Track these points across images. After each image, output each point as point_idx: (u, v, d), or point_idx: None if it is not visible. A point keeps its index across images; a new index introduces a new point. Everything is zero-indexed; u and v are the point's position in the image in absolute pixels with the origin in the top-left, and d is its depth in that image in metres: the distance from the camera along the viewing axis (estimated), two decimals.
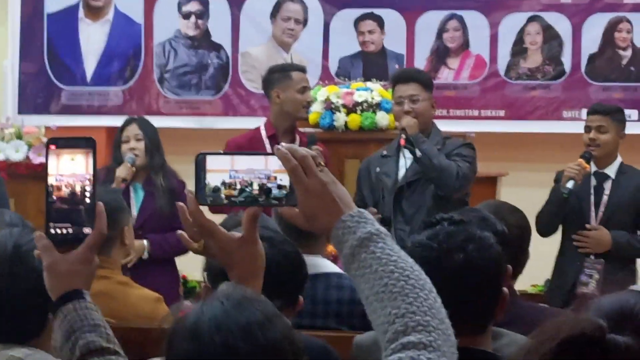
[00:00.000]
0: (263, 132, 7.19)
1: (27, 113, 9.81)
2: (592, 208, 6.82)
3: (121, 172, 6.75)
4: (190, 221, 2.43)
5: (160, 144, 7.03)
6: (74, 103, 9.96)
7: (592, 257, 6.76)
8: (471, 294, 2.89)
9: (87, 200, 2.44)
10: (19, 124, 9.06)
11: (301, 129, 7.50)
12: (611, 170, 6.91)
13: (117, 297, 4.61)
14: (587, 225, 6.69)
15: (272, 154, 2.28)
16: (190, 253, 2.60)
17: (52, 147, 2.44)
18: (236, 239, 2.45)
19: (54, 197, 2.43)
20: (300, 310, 4.22)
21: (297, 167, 2.25)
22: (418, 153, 6.47)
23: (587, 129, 6.90)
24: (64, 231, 2.44)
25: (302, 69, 7.37)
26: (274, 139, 7.04)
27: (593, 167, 6.80)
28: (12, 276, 2.76)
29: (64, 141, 2.48)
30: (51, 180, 2.43)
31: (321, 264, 4.58)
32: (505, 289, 3.01)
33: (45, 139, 8.82)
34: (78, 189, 2.43)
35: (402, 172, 6.68)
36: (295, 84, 7.15)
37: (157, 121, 9.14)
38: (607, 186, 6.87)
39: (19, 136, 8.76)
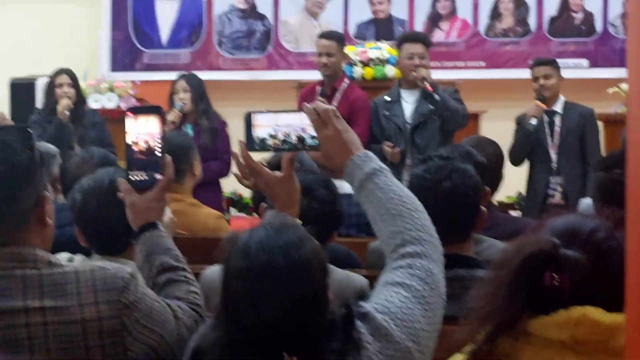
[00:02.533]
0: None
1: (118, 71, 9.82)
2: (549, 139, 6.81)
3: (170, 116, 6.72)
4: (243, 164, 2.43)
5: (204, 93, 6.97)
6: (153, 62, 9.94)
7: (554, 174, 6.77)
8: (456, 212, 2.89)
9: (158, 153, 2.47)
10: (111, 80, 9.09)
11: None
12: (558, 107, 6.89)
13: (189, 215, 4.63)
14: None
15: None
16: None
17: (129, 114, 2.48)
18: (278, 177, 2.46)
19: (134, 150, 2.46)
20: None
21: (318, 119, 2.27)
22: (437, 97, 6.44)
23: (535, 79, 6.87)
24: (141, 177, 2.48)
25: (327, 36, 7.15)
26: (322, 90, 7.01)
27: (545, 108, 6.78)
28: (110, 204, 2.77)
29: (138, 109, 2.51)
30: (131, 138, 2.46)
31: (345, 186, 4.55)
32: (483, 208, 3.01)
33: (131, 91, 8.85)
34: (152, 144, 2.47)
35: (407, 113, 6.67)
36: (317, 49, 7.07)
37: (216, 75, 9.27)
38: (557, 120, 6.85)
39: (112, 89, 8.79)
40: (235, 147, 2.45)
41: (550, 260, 1.80)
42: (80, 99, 7.17)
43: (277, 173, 2.45)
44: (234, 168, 2.57)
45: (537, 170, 6.87)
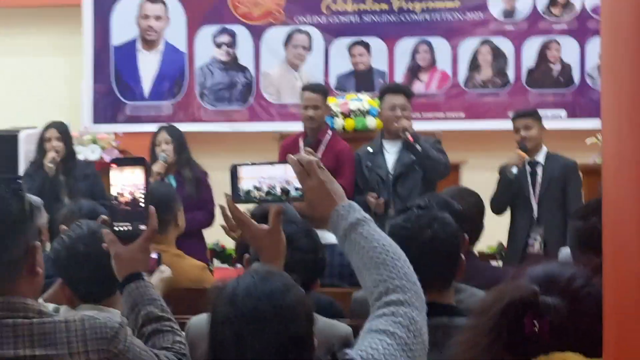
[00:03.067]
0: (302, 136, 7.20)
1: (100, 123, 9.83)
2: (531, 188, 6.89)
3: (156, 167, 6.77)
4: (230, 216, 2.48)
5: (185, 144, 7.06)
6: (136, 114, 9.96)
7: (535, 224, 6.85)
8: (437, 260, 2.94)
9: (142, 204, 2.51)
10: (94, 132, 9.14)
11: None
12: (540, 158, 6.98)
13: (173, 266, 4.59)
14: None
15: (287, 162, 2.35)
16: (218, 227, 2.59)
17: (114, 165, 2.51)
18: (264, 230, 2.50)
19: (119, 201, 2.49)
20: None
21: (302, 170, 2.31)
22: (418, 147, 6.54)
23: (517, 130, 6.97)
24: (125, 228, 2.51)
25: (312, 89, 7.21)
26: (305, 142, 7.07)
27: (527, 158, 6.87)
28: (92, 251, 2.81)
29: (122, 161, 2.56)
30: (117, 189, 2.49)
31: (329, 236, 4.59)
32: (462, 256, 3.06)
33: (114, 143, 8.91)
34: (136, 195, 2.50)
35: (389, 164, 6.74)
36: (302, 102, 7.12)
37: (198, 127, 9.31)
38: (539, 170, 6.94)
39: (94, 141, 8.84)
40: (218, 198, 2.50)
41: (530, 306, 1.84)
42: (70, 152, 7.26)
43: (264, 226, 2.49)
44: (220, 219, 2.61)
45: (518, 219, 6.93)
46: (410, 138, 6.57)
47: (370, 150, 6.87)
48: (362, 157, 6.88)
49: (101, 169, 7.47)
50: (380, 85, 8.71)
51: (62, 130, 7.24)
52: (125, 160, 2.56)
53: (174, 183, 6.80)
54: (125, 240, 2.51)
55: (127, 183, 2.50)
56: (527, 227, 6.86)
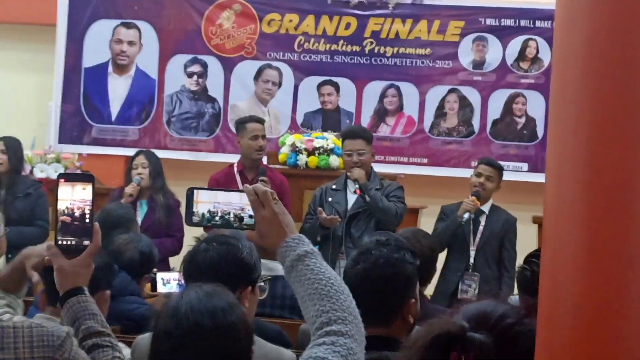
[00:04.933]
0: (235, 168, 7.28)
1: (65, 143, 9.86)
2: (471, 235, 7.01)
3: (128, 189, 6.89)
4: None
5: (161, 170, 7.14)
6: (101, 137, 10.00)
7: (470, 271, 6.95)
8: (382, 295, 2.99)
9: (88, 220, 2.55)
10: (59, 151, 9.16)
11: (272, 166, 7.68)
12: (486, 208, 7.11)
13: None
14: None
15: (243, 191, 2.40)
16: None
17: (62, 180, 2.55)
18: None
19: (65, 215, 2.53)
20: (264, 302, 4.31)
21: (256, 200, 2.36)
22: (367, 198, 6.64)
23: (479, 175, 7.10)
24: (69, 242, 2.56)
25: (258, 120, 7.36)
26: (242, 174, 7.18)
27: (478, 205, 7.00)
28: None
29: (71, 176, 2.62)
30: (65, 204, 2.52)
31: (280, 268, 4.65)
32: (413, 300, 3.10)
33: (77, 163, 8.93)
34: (86, 211, 2.54)
35: (350, 203, 6.83)
36: (249, 133, 7.18)
37: (163, 154, 9.24)
38: (482, 219, 7.07)
39: (58, 160, 8.86)
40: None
41: (456, 341, 1.90)
42: (15, 167, 7.25)
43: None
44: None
45: (453, 263, 7.02)
46: (358, 191, 6.69)
47: (334, 186, 6.96)
48: (324, 192, 6.96)
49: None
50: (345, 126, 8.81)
51: (9, 144, 7.25)
52: (74, 176, 2.62)
53: (145, 208, 6.91)
54: (68, 254, 2.55)
55: (74, 198, 2.53)
56: (461, 271, 6.96)
